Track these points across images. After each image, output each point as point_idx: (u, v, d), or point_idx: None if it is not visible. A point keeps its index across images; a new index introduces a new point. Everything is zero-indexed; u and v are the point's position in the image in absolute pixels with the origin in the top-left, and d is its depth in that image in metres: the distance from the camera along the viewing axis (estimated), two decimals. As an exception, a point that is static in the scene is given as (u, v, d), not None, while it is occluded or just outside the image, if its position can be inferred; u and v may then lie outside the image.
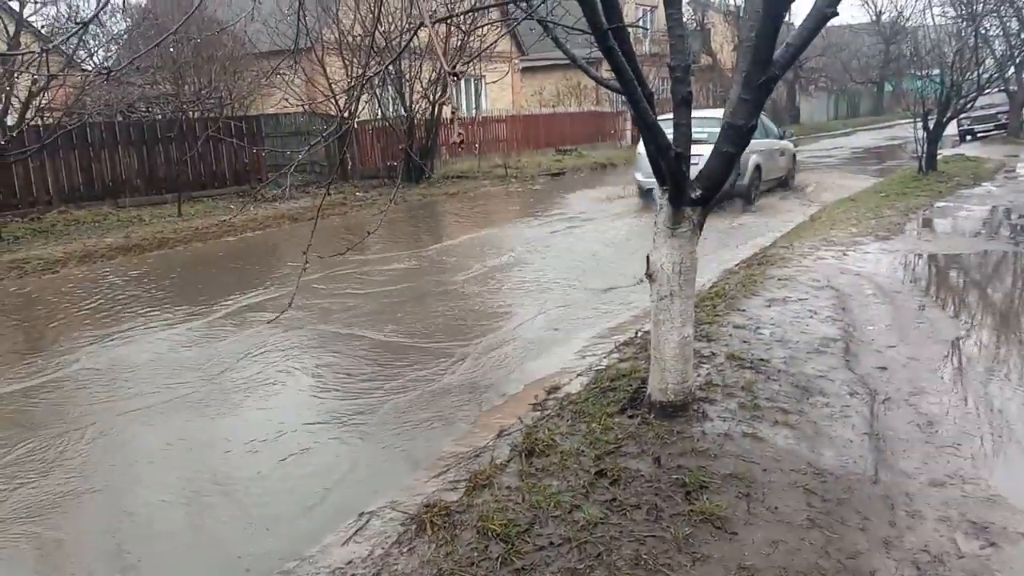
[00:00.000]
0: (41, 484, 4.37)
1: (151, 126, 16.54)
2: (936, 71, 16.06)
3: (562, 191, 17.90)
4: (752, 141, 13.35)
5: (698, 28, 40.36)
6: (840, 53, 43.41)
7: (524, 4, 4.04)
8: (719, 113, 14.21)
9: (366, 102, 18.70)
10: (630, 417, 4.14)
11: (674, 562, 3.04)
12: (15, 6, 12.56)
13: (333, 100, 18.49)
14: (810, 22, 3.64)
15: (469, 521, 3.39)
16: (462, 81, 26.66)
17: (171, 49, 17.13)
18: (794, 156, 16.28)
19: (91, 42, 15.79)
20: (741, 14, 39.40)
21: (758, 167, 13.78)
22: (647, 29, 33.12)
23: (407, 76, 18.27)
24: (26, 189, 14.09)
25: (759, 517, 3.33)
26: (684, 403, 4.08)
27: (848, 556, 3.12)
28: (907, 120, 16.96)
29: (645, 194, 13.59)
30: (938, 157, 15.62)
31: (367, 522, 3.61)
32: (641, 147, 12.93)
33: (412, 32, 3.10)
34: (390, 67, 17.80)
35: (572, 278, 8.77)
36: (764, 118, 15.48)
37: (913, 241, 9.40)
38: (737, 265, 8.57)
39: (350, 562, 3.28)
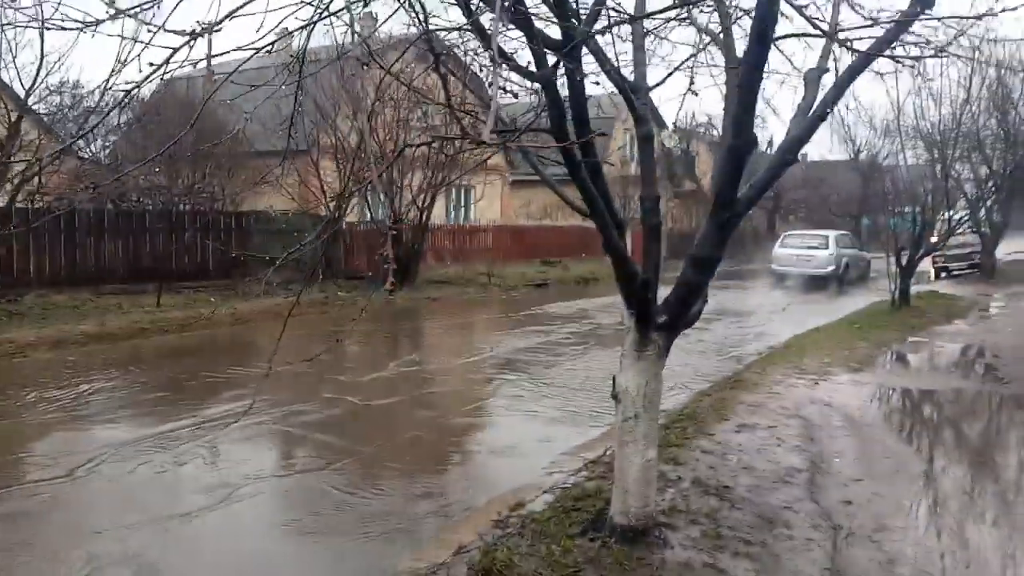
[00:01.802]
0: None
1: (140, 216, 16.76)
2: (908, 209, 16.68)
3: (544, 302, 18.10)
4: (846, 250, 19.84)
5: (683, 155, 41.97)
6: (819, 186, 45.02)
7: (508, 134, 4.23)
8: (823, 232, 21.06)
9: (355, 205, 19.17)
10: (591, 540, 4.06)
11: None
12: (19, 91, 12.97)
13: (324, 201, 18.98)
14: (772, 167, 3.85)
15: (415, 645, 3.27)
16: (451, 189, 27.32)
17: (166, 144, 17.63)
18: (869, 262, 23.95)
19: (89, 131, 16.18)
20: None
21: (847, 264, 22.66)
22: (633, 157, 34.41)
23: (397, 183, 18.75)
24: (7, 271, 14.11)
25: (715, 654, 3.23)
26: (646, 528, 4.02)
27: None
28: (881, 255, 17.49)
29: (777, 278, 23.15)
30: (912, 293, 16.05)
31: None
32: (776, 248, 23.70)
33: (398, 153, 3.23)
34: (382, 174, 18.35)
35: (544, 392, 8.77)
36: (851, 236, 25.95)
37: (884, 374, 9.51)
38: (711, 387, 8.62)
39: None
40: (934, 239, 15.92)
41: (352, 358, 10.37)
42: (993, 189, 26.21)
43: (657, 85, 4.21)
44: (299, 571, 4.45)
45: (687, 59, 4.37)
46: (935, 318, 14.20)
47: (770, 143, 54.11)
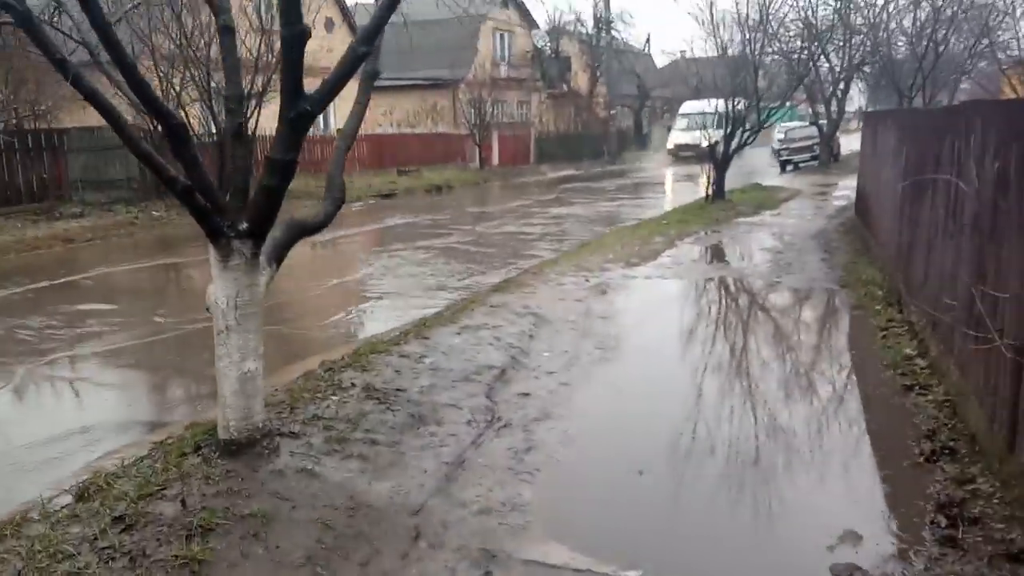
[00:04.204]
0: None
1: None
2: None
3: (384, 215, 17.79)
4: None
5: (554, 56, 41.31)
6: (688, 80, 45.42)
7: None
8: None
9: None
10: (199, 456, 4.01)
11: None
12: None
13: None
14: (345, 62, 3.69)
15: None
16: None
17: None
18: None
19: None
20: (594, 43, 40.66)
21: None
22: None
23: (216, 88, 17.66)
24: None
25: (253, 558, 3.25)
26: (250, 440, 3.98)
27: (329, 595, 3.10)
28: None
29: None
30: (737, 187, 16.57)
31: None
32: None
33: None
34: (201, 81, 17.23)
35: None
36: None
37: (656, 267, 9.75)
38: (478, 290, 8.66)
39: None
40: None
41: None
42: (831, 82, 27.10)
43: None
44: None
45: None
46: (743, 211, 14.69)
47: (648, 40, 53.66)
